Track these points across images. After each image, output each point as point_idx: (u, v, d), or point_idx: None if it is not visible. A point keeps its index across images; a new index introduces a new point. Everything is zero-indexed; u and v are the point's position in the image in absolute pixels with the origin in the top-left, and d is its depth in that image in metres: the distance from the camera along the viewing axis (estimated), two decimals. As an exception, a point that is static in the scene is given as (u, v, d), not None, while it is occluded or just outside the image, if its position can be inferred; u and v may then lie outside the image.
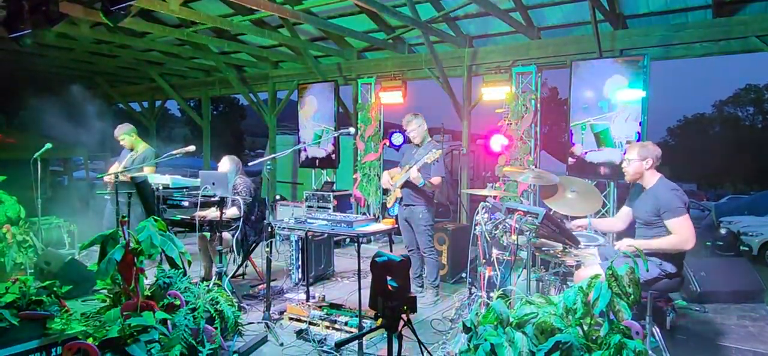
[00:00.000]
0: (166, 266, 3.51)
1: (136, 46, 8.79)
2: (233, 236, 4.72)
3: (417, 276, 5.05)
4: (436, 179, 4.71)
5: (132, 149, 5.84)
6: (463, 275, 5.61)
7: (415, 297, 2.19)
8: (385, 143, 8.14)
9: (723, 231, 8.20)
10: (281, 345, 3.86)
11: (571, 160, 6.25)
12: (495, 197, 4.50)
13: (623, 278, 2.48)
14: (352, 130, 5.16)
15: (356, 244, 4.02)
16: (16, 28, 4.53)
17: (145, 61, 10.20)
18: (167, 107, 24.99)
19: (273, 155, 5.88)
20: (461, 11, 7.02)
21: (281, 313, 4.42)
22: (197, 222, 4.48)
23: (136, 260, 3.17)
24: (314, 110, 8.60)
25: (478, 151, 11.38)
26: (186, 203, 4.64)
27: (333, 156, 8.32)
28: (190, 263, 3.81)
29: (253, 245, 5.08)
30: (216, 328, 3.36)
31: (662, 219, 3.28)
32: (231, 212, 4.77)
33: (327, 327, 4.06)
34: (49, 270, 4.63)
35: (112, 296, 3.36)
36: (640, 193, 3.54)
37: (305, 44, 8.28)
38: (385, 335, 2.18)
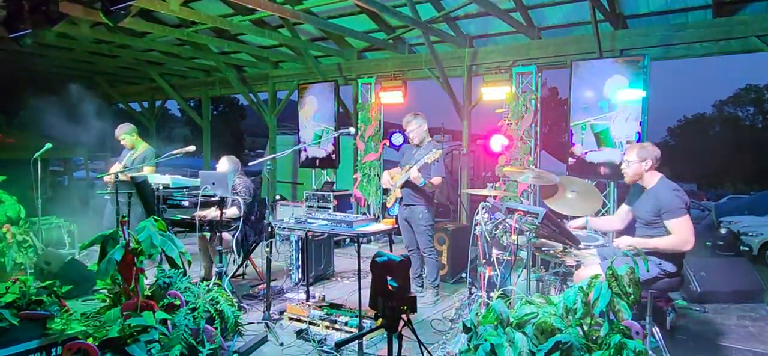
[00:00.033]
0: (166, 266, 3.50)
1: (136, 46, 8.80)
2: (233, 236, 4.72)
3: (417, 276, 5.05)
4: (436, 179, 4.71)
5: (132, 149, 5.85)
6: (463, 275, 5.61)
7: (415, 297, 2.19)
8: (385, 143, 8.14)
9: (723, 231, 8.18)
10: (281, 345, 3.86)
11: (571, 160, 6.25)
12: (495, 197, 4.50)
13: (623, 278, 2.49)
14: (352, 130, 5.15)
15: (356, 244, 4.02)
16: (16, 28, 4.53)
17: (145, 61, 10.20)
18: (167, 107, 25.03)
19: (273, 155, 5.87)
20: (461, 11, 7.02)
21: (281, 313, 4.42)
22: (197, 222, 4.49)
23: (136, 260, 3.17)
24: (314, 110, 8.59)
25: (478, 151, 11.36)
26: (186, 203, 4.64)
27: (333, 156, 8.32)
28: (190, 263, 3.81)
29: (253, 245, 5.08)
30: (216, 328, 3.36)
31: (662, 219, 3.28)
32: (231, 212, 4.78)
33: (327, 327, 4.06)
34: (49, 270, 4.63)
35: (112, 296, 3.36)
36: (640, 193, 3.54)
37: (305, 44, 8.28)
38: (385, 335, 2.18)
